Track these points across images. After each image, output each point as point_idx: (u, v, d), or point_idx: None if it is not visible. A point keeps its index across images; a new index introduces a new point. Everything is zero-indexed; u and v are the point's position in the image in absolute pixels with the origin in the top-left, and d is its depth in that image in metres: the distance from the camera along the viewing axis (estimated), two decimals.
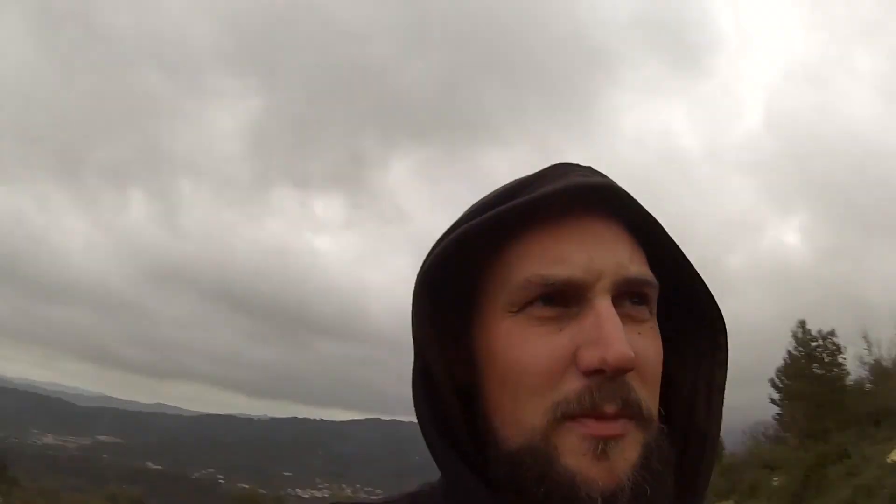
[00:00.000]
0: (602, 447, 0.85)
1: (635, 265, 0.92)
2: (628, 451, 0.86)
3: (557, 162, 1.02)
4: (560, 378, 0.88)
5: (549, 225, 0.94)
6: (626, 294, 0.92)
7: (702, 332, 1.02)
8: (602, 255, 0.91)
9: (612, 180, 0.98)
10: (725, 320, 1.01)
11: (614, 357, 0.84)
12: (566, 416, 0.87)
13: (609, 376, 0.86)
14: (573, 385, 0.87)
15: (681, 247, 0.98)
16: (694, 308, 1.01)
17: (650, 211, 0.97)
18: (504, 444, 0.92)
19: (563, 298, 0.91)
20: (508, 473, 0.91)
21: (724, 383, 0.99)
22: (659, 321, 0.97)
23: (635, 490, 0.85)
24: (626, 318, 0.90)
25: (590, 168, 1.01)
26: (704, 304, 1.01)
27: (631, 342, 0.86)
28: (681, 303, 1.01)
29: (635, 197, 0.96)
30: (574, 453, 0.86)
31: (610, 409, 0.86)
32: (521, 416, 0.90)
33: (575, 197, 0.93)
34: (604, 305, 0.88)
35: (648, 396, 0.90)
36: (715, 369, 1.00)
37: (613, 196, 0.94)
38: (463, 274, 1.00)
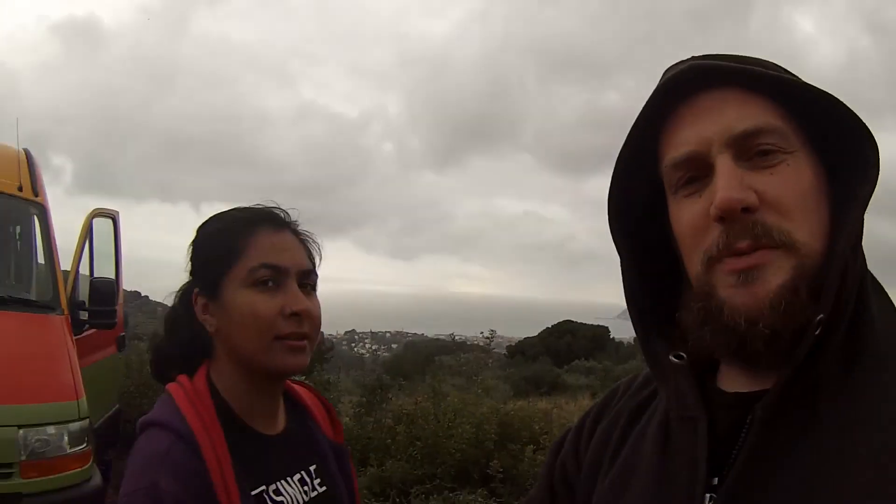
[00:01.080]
0: (743, 277, 0.99)
1: (746, 120, 1.02)
2: (771, 277, 0.98)
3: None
4: (705, 232, 1.04)
5: (672, 116, 1.10)
6: (750, 148, 1.02)
7: (859, 155, 1.04)
8: (709, 125, 1.04)
9: (703, 59, 1.10)
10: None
11: (718, 203, 0.99)
12: (713, 259, 1.03)
13: (733, 218, 0.99)
14: (713, 233, 1.03)
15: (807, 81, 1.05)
16: (846, 134, 1.05)
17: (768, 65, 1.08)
18: (688, 298, 1.11)
19: (699, 172, 1.06)
20: (692, 317, 1.07)
21: (867, 196, 1.02)
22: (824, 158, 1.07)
23: (778, 308, 0.96)
24: (755, 168, 1.02)
25: (694, 57, 1.12)
26: (851, 125, 1.04)
27: (760, 184, 1.00)
28: (837, 135, 1.06)
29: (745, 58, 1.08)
30: (723, 286, 1.02)
31: (742, 244, 0.99)
32: (691, 271, 1.09)
33: (676, 86, 1.08)
34: (719, 164, 1.02)
35: (792, 225, 1.00)
36: (864, 185, 1.03)
37: (707, 72, 1.06)
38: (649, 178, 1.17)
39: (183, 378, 1.62)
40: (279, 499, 1.63)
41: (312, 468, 1.75)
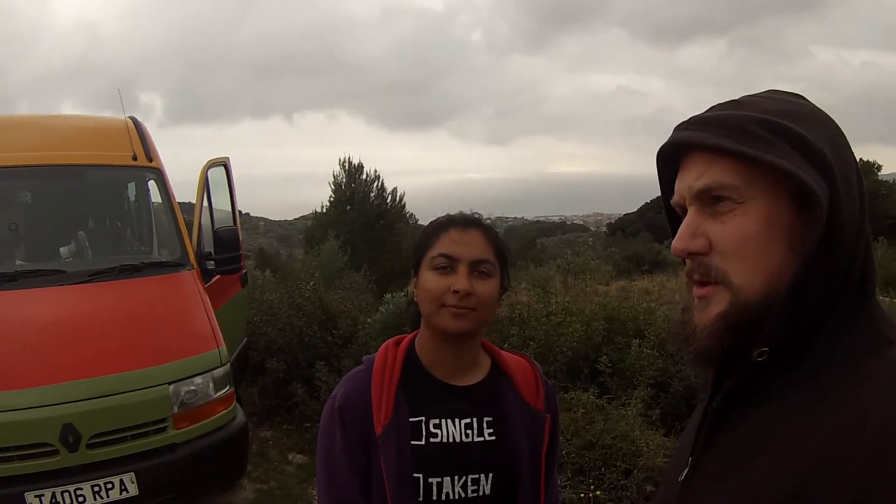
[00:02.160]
0: (699, 303, 1.28)
1: (701, 179, 1.27)
2: (713, 307, 1.25)
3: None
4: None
5: (680, 166, 1.35)
6: (711, 199, 1.27)
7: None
8: (683, 181, 1.32)
9: (687, 127, 1.32)
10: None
11: (672, 250, 1.30)
12: (689, 280, 1.32)
13: (688, 258, 1.29)
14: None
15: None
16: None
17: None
18: None
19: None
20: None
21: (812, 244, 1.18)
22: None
23: (704, 333, 1.26)
24: (713, 214, 1.26)
25: (693, 118, 1.34)
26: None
27: (711, 231, 1.26)
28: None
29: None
30: (694, 306, 1.29)
31: (696, 276, 1.28)
32: None
33: (673, 147, 1.35)
34: (687, 215, 1.30)
35: (730, 267, 1.24)
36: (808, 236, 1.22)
37: (684, 144, 1.32)
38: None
39: (396, 338, 2.19)
40: (435, 430, 2.04)
41: (487, 419, 2.09)
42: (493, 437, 2.08)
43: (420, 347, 2.14)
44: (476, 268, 2.03)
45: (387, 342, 2.17)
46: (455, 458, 2.02)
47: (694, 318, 1.28)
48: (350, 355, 8.46)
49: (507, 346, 8.16)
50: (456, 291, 1.99)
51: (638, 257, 28.65)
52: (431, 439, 2.02)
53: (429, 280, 2.03)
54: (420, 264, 2.09)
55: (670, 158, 1.37)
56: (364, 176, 29.48)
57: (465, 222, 2.11)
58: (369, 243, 26.32)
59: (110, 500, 4.73)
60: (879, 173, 43.93)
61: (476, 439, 2.06)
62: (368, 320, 9.33)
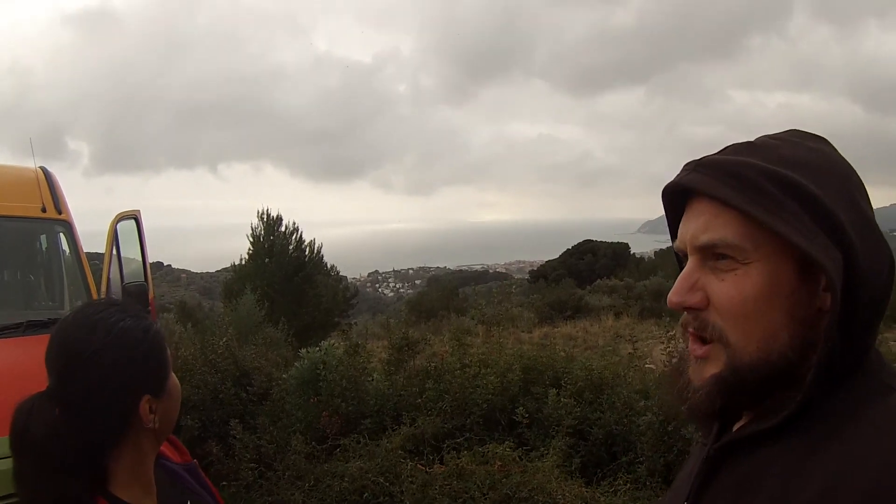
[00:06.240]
0: (696, 361, 1.28)
1: (708, 233, 1.25)
2: (709, 367, 1.26)
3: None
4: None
5: (685, 208, 1.33)
6: (714, 254, 1.25)
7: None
8: (687, 229, 1.30)
9: (694, 170, 1.29)
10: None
11: (668, 303, 1.30)
12: (684, 328, 1.32)
13: (684, 310, 1.29)
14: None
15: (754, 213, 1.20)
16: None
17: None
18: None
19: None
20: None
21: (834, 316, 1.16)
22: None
23: (699, 393, 1.27)
24: (712, 270, 1.26)
25: (705, 160, 1.30)
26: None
27: (710, 288, 1.25)
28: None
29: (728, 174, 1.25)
30: (690, 360, 1.30)
31: (692, 329, 1.28)
32: None
33: (679, 188, 1.33)
34: (687, 265, 1.30)
35: (727, 325, 1.23)
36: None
37: (691, 189, 1.29)
38: None
39: None
40: None
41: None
42: None
43: (124, 492, 1.70)
44: None
45: None
46: None
47: (689, 373, 1.30)
48: (265, 412, 8.34)
49: (422, 399, 8.18)
50: None
51: (561, 303, 28.90)
52: None
53: (178, 382, 1.82)
54: (169, 374, 1.78)
55: (676, 197, 1.36)
56: (283, 228, 29.34)
57: None
58: (288, 296, 26.10)
59: None
60: None
61: None
62: (283, 376, 9.21)
